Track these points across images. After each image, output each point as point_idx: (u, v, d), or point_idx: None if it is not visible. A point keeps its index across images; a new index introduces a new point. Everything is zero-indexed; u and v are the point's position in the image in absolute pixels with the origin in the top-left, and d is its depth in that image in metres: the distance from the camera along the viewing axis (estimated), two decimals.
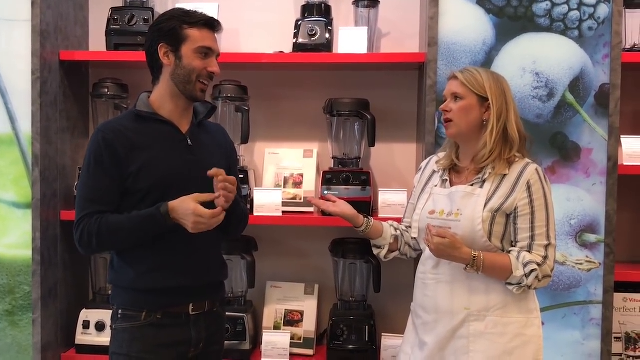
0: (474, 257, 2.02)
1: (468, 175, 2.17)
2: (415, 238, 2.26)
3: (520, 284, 2.04)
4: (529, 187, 2.07)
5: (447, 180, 2.20)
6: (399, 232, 2.33)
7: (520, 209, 2.07)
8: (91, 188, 2.07)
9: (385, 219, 2.44)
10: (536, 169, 2.10)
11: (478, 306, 2.09)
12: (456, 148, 2.23)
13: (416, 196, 2.28)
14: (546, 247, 2.06)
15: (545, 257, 2.05)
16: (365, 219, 2.30)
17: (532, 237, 2.06)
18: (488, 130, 2.10)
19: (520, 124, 2.15)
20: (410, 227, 2.29)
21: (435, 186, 2.22)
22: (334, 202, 2.35)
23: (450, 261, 2.08)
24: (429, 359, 2.14)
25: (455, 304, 2.11)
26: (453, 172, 2.23)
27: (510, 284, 2.06)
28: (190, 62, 2.08)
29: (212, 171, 2.00)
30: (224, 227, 2.16)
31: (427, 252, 2.18)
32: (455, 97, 2.14)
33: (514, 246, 2.09)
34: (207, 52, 2.11)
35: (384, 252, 2.35)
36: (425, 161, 2.37)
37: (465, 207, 2.09)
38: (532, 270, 2.02)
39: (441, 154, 2.29)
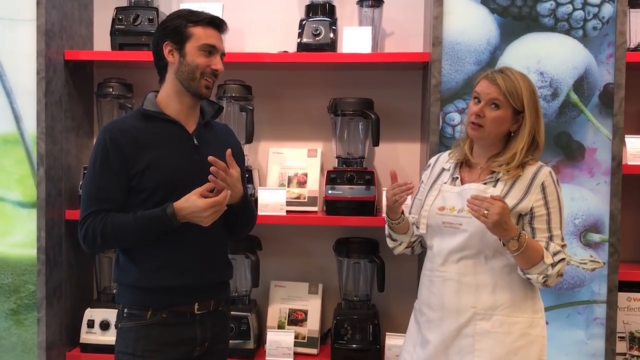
0: (520, 232, 1.98)
1: (481, 174, 2.15)
2: (423, 234, 2.25)
3: (544, 272, 2.02)
4: (543, 189, 2.07)
5: (457, 177, 2.19)
6: (419, 231, 2.28)
7: (536, 210, 2.06)
8: (97, 186, 2.07)
9: None
10: (550, 172, 2.10)
11: (485, 305, 2.09)
12: (470, 143, 2.19)
13: (424, 192, 2.26)
14: (562, 247, 2.07)
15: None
16: (402, 214, 2.23)
17: (550, 238, 2.06)
18: (519, 146, 2.07)
19: (543, 127, 2.13)
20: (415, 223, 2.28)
21: (445, 183, 2.21)
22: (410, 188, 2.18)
23: (496, 234, 1.98)
24: (433, 357, 2.14)
25: (462, 302, 2.10)
26: (465, 167, 2.21)
27: (530, 273, 2.04)
28: (193, 59, 2.09)
29: (211, 158, 2.00)
30: (231, 227, 2.17)
31: (434, 250, 2.17)
32: (493, 103, 2.07)
33: None
34: (211, 49, 2.11)
35: (400, 248, 2.31)
36: (434, 157, 2.34)
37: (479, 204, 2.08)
38: (560, 260, 2.03)
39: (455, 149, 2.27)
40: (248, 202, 2.20)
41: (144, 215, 2.04)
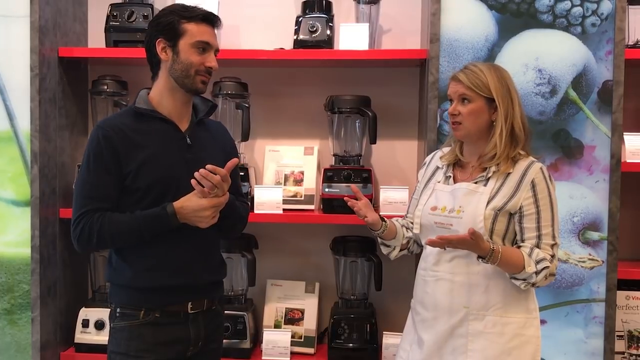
0: (492, 249, 1.98)
1: (472, 172, 2.15)
2: (417, 234, 2.24)
3: (528, 280, 2.02)
4: (533, 187, 2.05)
5: (450, 176, 2.18)
6: (410, 232, 2.29)
7: (525, 208, 2.05)
8: (91, 185, 2.05)
9: (387, 217, 2.41)
10: (540, 168, 2.08)
11: (477, 305, 2.08)
12: (460, 143, 2.20)
13: (419, 191, 2.26)
14: (552, 246, 2.05)
15: (553, 256, 2.04)
16: (383, 222, 2.25)
17: (539, 237, 2.04)
18: (497, 133, 2.07)
19: (525, 118, 2.13)
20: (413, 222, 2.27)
21: (439, 182, 2.20)
22: (361, 199, 2.25)
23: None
24: (428, 357, 2.13)
25: (455, 302, 2.10)
26: (457, 167, 2.21)
27: (516, 278, 2.04)
28: (187, 57, 2.07)
29: (209, 167, 1.98)
30: (220, 228, 2.15)
31: (428, 249, 2.17)
32: (463, 99, 2.10)
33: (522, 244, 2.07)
34: (205, 46, 2.09)
35: (394, 252, 2.32)
36: (430, 156, 2.34)
37: (468, 204, 2.07)
38: (544, 268, 2.01)
39: (445, 149, 2.27)
40: (234, 208, 2.18)
41: (143, 215, 2.03)
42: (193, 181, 1.99)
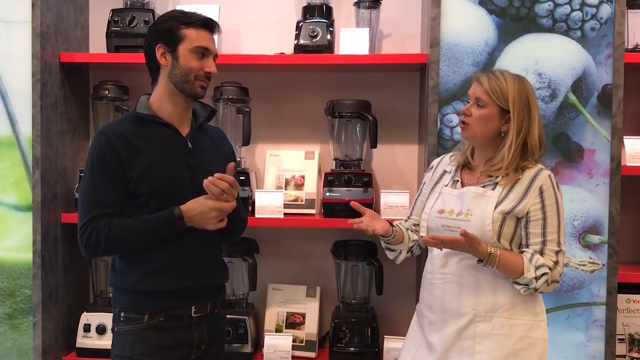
0: (490, 253, 1.99)
1: (480, 177, 2.15)
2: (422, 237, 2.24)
3: (528, 285, 2.03)
4: (541, 193, 2.05)
5: (458, 180, 2.19)
6: (415, 235, 2.30)
7: (532, 213, 2.05)
8: (96, 190, 2.05)
9: (389, 221, 2.41)
10: (549, 175, 2.08)
11: (485, 307, 2.08)
12: (472, 147, 2.20)
13: (426, 194, 2.26)
14: (557, 253, 2.05)
15: (556, 263, 2.04)
16: (392, 228, 2.24)
17: (544, 243, 2.05)
18: (507, 145, 2.06)
19: (542, 132, 2.11)
20: (417, 224, 2.27)
21: (446, 186, 2.20)
22: (364, 213, 2.25)
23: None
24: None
25: (463, 304, 2.10)
26: (466, 169, 2.21)
27: (518, 283, 2.04)
28: (187, 62, 2.08)
29: (217, 175, 2.02)
30: (221, 231, 2.15)
31: (434, 252, 2.16)
32: (478, 102, 2.10)
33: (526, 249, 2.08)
34: (204, 52, 2.10)
35: (401, 257, 2.32)
36: (437, 159, 2.34)
37: (476, 207, 2.08)
38: (544, 274, 2.01)
39: (457, 153, 2.27)
40: (237, 211, 2.19)
41: (150, 218, 2.04)
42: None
